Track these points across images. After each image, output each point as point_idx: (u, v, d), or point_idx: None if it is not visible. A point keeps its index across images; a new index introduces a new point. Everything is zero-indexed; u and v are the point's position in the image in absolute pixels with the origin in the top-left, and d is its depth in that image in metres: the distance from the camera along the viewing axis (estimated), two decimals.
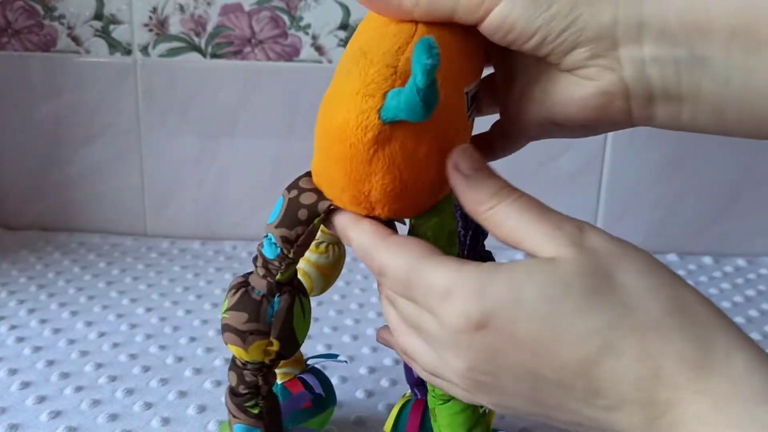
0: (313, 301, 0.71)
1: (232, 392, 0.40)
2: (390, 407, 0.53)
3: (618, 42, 0.30)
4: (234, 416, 0.40)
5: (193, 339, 0.62)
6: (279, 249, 0.37)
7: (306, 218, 0.36)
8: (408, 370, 0.47)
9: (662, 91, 0.31)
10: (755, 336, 0.65)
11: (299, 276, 0.41)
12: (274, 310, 0.38)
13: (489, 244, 0.43)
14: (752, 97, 0.29)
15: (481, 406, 0.40)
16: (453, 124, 0.33)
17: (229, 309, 0.38)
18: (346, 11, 0.76)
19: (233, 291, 0.38)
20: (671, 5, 0.29)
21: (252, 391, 0.40)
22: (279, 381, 0.48)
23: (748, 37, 0.28)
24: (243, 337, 0.38)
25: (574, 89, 0.32)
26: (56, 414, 0.51)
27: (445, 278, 0.29)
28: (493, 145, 0.39)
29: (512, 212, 0.29)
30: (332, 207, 0.35)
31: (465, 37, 0.33)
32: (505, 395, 0.29)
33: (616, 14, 0.30)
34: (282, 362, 0.43)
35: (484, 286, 0.28)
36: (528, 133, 0.37)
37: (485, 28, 0.32)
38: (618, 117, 0.33)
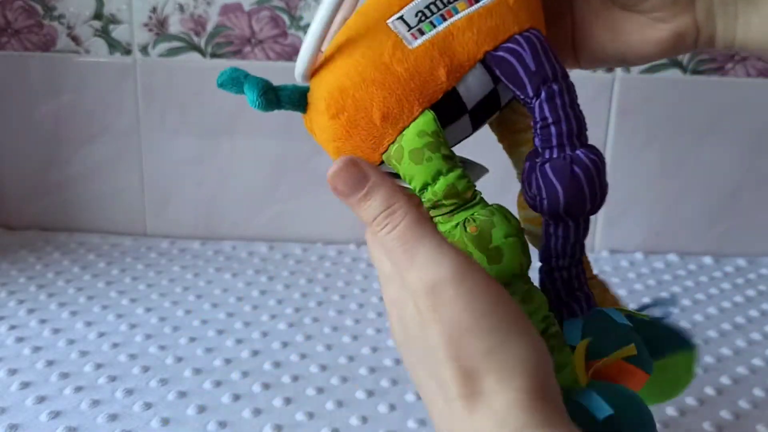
0: (313, 300, 0.71)
1: None
2: (390, 407, 0.53)
3: None
4: None
5: (192, 339, 0.62)
6: None
7: None
8: None
9: (723, 26, 0.35)
10: (755, 336, 0.65)
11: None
12: None
13: None
14: None
15: None
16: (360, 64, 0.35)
17: None
18: None
19: None
20: None
21: None
22: None
23: None
24: None
25: (650, 32, 0.36)
26: (56, 414, 0.51)
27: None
28: None
29: (397, 239, 0.30)
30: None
31: None
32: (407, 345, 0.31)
33: None
34: None
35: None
36: (580, 67, 0.40)
37: None
38: (684, 51, 0.37)
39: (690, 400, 0.55)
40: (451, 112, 0.36)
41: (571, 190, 0.34)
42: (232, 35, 0.78)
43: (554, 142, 0.35)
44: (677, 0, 0.35)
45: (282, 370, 0.58)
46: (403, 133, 0.35)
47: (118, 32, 0.78)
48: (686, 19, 0.35)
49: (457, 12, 0.35)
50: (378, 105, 0.35)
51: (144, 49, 0.79)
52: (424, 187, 0.35)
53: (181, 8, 0.77)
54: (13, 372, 0.56)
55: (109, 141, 0.82)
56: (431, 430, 0.50)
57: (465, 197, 0.34)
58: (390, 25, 0.35)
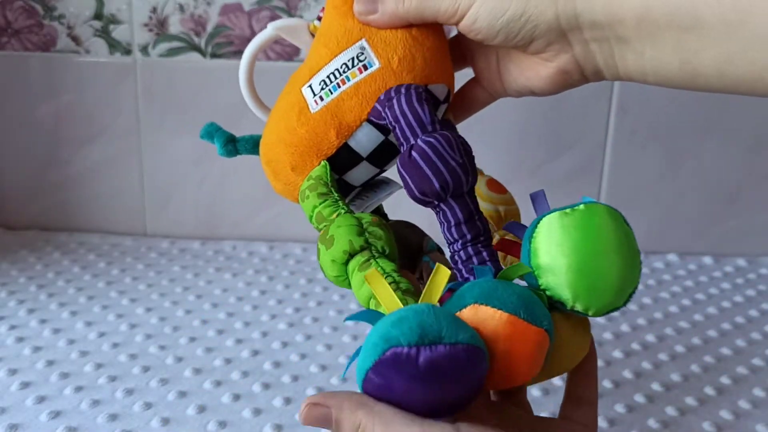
0: (313, 300, 0.71)
1: None
2: None
3: (564, 31, 0.39)
4: None
5: (192, 339, 0.62)
6: None
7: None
8: None
9: (603, 62, 0.40)
10: (755, 336, 0.65)
11: None
12: None
13: None
14: (658, 64, 0.38)
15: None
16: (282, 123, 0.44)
17: None
18: None
19: None
20: (597, 1, 0.37)
21: None
22: None
23: (649, 21, 0.36)
24: None
25: (541, 69, 0.41)
26: (56, 414, 0.51)
27: None
28: (467, 105, 0.47)
29: None
30: None
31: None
32: None
33: (556, 11, 0.38)
34: None
35: None
36: (508, 96, 0.46)
37: (461, 29, 0.40)
38: (577, 83, 0.42)
39: (690, 400, 0.55)
40: (349, 161, 0.43)
41: (414, 173, 0.38)
42: (232, 35, 0.78)
43: (400, 140, 0.39)
44: (552, 42, 0.39)
45: (282, 370, 0.58)
46: (304, 179, 0.43)
47: (118, 32, 0.78)
48: (566, 58, 0.40)
49: (349, 80, 0.41)
50: (288, 159, 0.43)
51: (144, 49, 0.79)
52: (310, 219, 0.41)
53: (181, 8, 0.77)
54: (13, 372, 0.56)
55: (109, 141, 0.82)
56: None
57: (331, 219, 0.40)
58: (302, 91, 0.43)
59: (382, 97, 0.41)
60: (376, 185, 0.46)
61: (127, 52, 0.79)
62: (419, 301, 0.33)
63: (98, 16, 0.78)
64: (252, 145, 0.48)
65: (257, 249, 0.82)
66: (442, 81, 0.42)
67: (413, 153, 0.38)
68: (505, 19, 0.39)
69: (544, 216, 0.36)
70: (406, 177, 0.38)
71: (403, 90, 0.40)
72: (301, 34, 0.46)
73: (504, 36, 0.39)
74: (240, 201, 0.83)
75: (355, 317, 0.33)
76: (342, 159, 0.42)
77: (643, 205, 0.82)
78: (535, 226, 0.36)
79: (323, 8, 0.45)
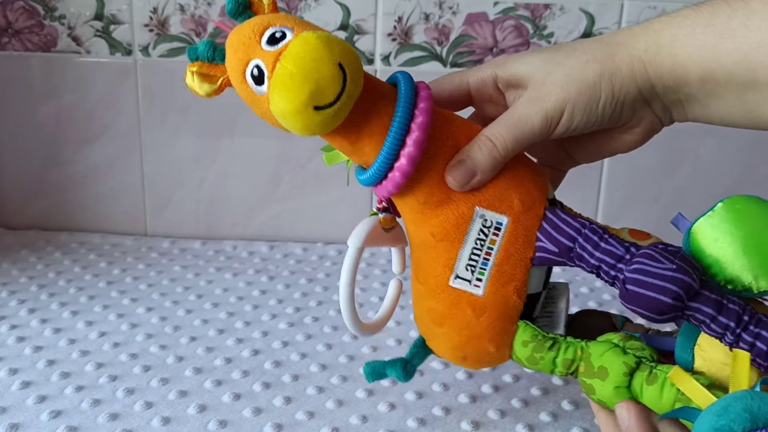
0: (313, 300, 0.71)
1: None
2: (390, 406, 0.53)
3: (645, 98, 0.43)
4: None
5: (193, 339, 0.62)
6: None
7: None
8: None
9: (678, 115, 0.44)
10: None
11: None
12: None
13: None
14: (723, 114, 0.42)
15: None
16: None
17: None
18: (346, 11, 0.77)
19: None
20: (663, 67, 0.41)
21: None
22: None
23: (711, 81, 0.40)
24: None
25: (628, 137, 0.45)
26: (57, 414, 0.51)
27: None
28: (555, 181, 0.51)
29: None
30: None
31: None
32: None
33: (638, 85, 0.42)
34: None
35: None
36: (586, 162, 0.50)
37: (554, 136, 0.43)
38: (657, 132, 0.46)
39: None
40: (534, 302, 0.44)
41: (641, 303, 0.38)
42: None
43: (609, 279, 0.41)
44: (637, 110, 0.43)
45: (282, 370, 0.58)
46: (514, 348, 0.44)
47: (118, 32, 0.78)
48: (650, 118, 0.44)
49: (492, 248, 0.42)
50: (486, 345, 0.43)
51: (145, 50, 0.79)
52: (553, 371, 0.43)
53: (182, 9, 0.77)
54: (14, 372, 0.56)
55: (109, 141, 0.82)
56: (431, 429, 0.50)
57: (580, 356, 0.42)
58: (454, 286, 0.42)
59: (552, 248, 0.41)
60: (547, 298, 0.47)
61: (128, 52, 0.79)
62: (730, 391, 0.34)
63: (99, 16, 0.78)
64: (423, 351, 0.47)
65: (258, 249, 0.82)
66: (547, 182, 0.44)
67: (628, 287, 0.38)
68: (600, 108, 0.42)
69: (692, 225, 0.38)
70: (637, 309, 0.38)
71: (579, 238, 0.41)
72: (378, 236, 0.46)
73: (599, 123, 0.43)
74: (240, 201, 0.83)
75: (670, 414, 0.34)
76: (527, 306, 0.43)
77: (642, 205, 0.82)
78: (688, 236, 0.38)
79: (380, 200, 0.45)
